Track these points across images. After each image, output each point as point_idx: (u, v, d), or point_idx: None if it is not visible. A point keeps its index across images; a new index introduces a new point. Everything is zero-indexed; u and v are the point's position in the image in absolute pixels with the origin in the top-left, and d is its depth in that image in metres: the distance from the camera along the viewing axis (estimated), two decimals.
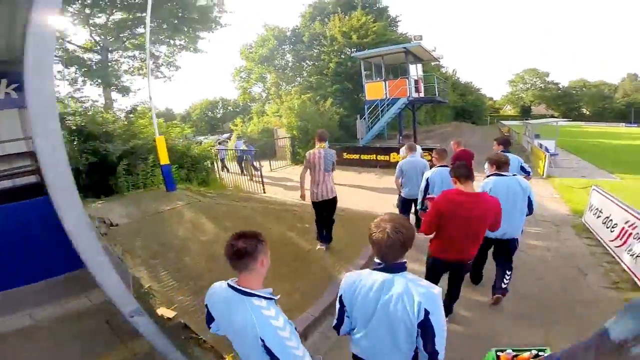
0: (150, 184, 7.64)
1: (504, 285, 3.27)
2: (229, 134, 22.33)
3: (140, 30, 12.95)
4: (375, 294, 1.41)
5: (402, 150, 5.94)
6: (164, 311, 3.06)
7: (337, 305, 1.57)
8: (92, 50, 13.15)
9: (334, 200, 4.31)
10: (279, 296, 1.40)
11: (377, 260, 1.46)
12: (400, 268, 1.42)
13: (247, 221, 5.69)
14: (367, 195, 8.26)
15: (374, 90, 14.92)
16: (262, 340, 1.22)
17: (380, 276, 1.42)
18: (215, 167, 11.21)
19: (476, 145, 17.45)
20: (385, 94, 14.32)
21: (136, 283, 3.44)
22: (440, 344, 1.34)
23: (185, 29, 11.90)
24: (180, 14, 11.23)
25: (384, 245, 1.38)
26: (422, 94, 14.96)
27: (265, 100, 25.35)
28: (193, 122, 44.69)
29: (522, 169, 4.12)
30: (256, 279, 1.37)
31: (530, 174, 4.27)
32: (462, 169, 2.53)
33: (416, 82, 14.49)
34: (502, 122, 34.94)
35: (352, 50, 17.96)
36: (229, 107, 44.02)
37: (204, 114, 44.69)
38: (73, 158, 7.12)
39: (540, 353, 1.93)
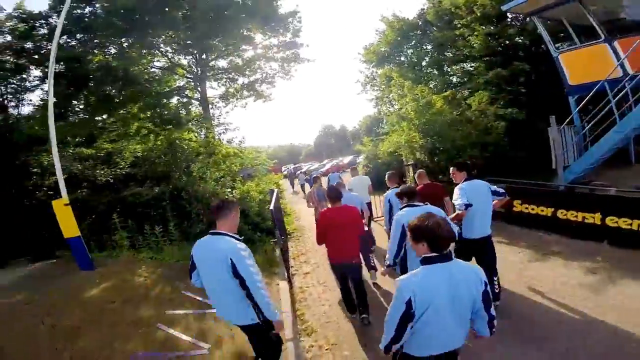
0: None
1: None
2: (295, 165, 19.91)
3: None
4: (450, 283, 1.49)
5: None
6: None
7: (399, 315, 1.49)
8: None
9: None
10: (242, 237, 2.36)
11: (431, 255, 1.55)
12: (450, 254, 1.57)
13: None
14: None
15: (585, 63, 7.48)
16: (231, 260, 2.10)
17: (444, 267, 1.53)
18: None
19: None
20: (621, 65, 6.80)
21: None
22: (493, 309, 1.62)
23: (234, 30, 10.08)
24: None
25: (444, 236, 1.52)
26: None
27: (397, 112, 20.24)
28: (361, 140, 44.69)
29: (495, 192, 3.54)
30: (230, 226, 2.29)
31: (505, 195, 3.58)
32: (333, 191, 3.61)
33: None
34: None
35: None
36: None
37: (369, 130, 43.59)
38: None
39: None
